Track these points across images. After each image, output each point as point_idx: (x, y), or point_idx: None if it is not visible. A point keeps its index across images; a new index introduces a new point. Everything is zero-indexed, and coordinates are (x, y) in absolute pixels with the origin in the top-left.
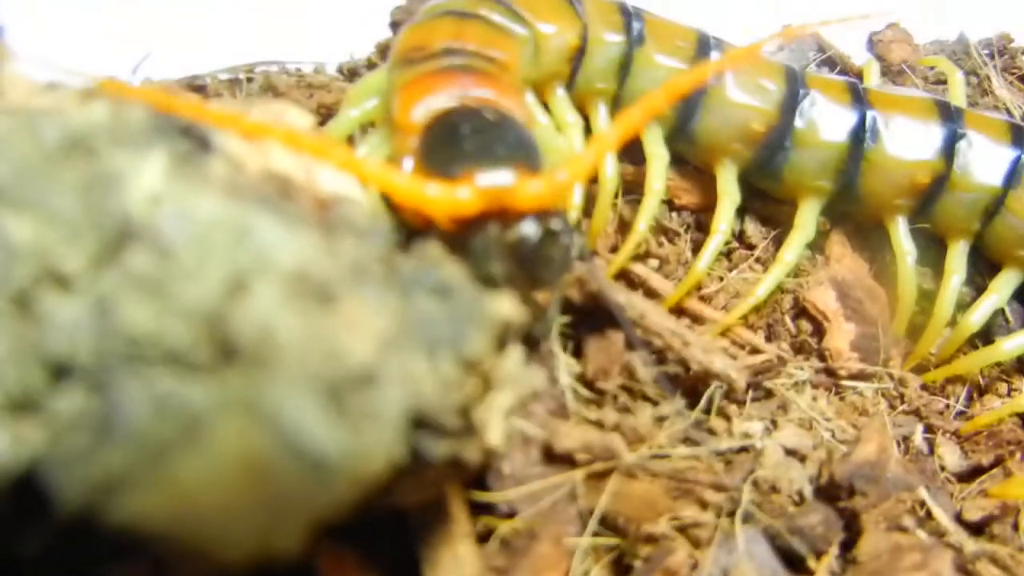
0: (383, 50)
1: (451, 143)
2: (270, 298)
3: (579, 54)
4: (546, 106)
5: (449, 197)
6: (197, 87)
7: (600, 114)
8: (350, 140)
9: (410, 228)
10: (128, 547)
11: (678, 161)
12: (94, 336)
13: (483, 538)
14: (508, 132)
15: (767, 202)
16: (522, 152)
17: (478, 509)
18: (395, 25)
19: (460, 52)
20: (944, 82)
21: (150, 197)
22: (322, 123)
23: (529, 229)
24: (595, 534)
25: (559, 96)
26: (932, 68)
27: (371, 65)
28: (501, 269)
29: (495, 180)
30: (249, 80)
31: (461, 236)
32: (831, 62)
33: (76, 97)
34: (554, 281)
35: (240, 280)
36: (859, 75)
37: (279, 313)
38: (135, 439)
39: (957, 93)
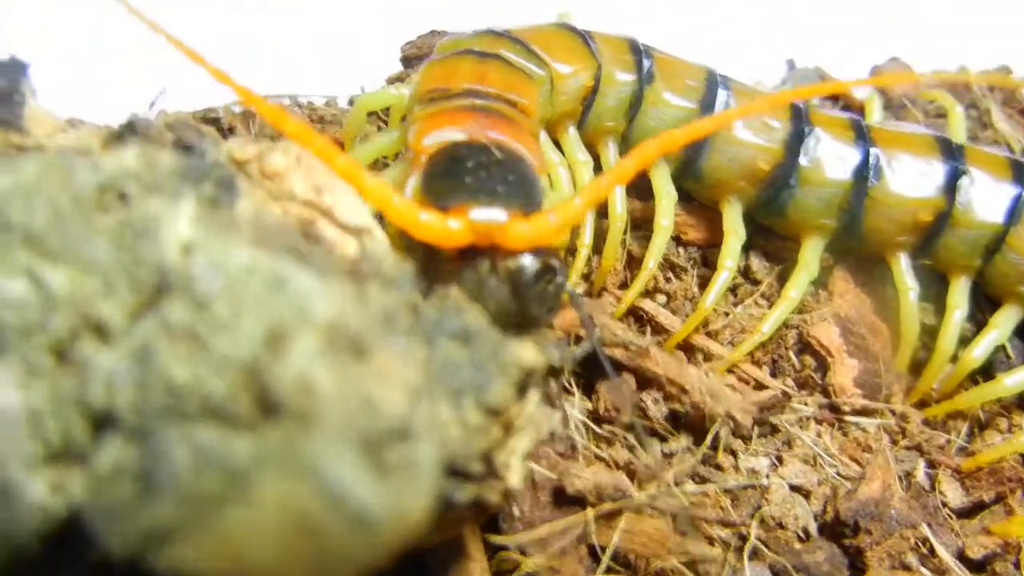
0: (394, 83)
1: (453, 173)
2: (308, 352)
3: (592, 94)
4: (558, 144)
5: (440, 225)
6: (211, 119)
7: (610, 152)
8: None
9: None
10: None
11: (685, 198)
12: (134, 386)
13: None
14: (511, 171)
15: (772, 238)
16: (520, 192)
17: (493, 548)
18: (406, 60)
19: (482, 94)
20: (945, 116)
21: (183, 245)
22: None
23: (522, 265)
24: (607, 571)
25: (571, 135)
26: (932, 102)
27: None
28: (490, 301)
29: (487, 216)
30: None
31: (457, 266)
32: (833, 95)
33: (98, 134)
34: (540, 319)
35: (278, 333)
36: (861, 109)
37: (317, 367)
38: (179, 491)
39: (957, 127)
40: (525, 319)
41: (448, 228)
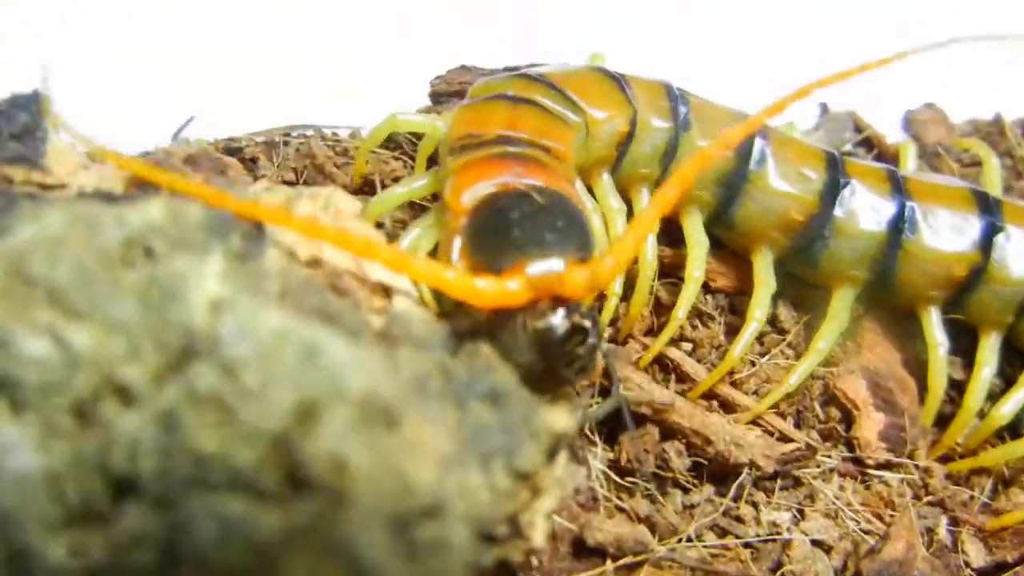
0: (428, 115)
1: (498, 230)
2: (341, 427)
3: (627, 140)
4: (591, 191)
5: (499, 290)
6: (234, 149)
7: (643, 199)
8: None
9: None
10: None
11: (715, 244)
12: (158, 453)
13: None
14: (558, 216)
15: (800, 287)
16: (573, 237)
17: None
18: (435, 95)
19: (515, 141)
20: (979, 164)
21: (211, 304)
22: (357, 192)
23: (550, 325)
24: None
25: (605, 182)
26: (967, 151)
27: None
28: (526, 359)
29: (544, 269)
30: (285, 144)
31: (492, 322)
32: (867, 142)
33: (121, 173)
34: (570, 380)
35: (310, 405)
36: (895, 155)
37: (350, 443)
38: (204, 565)
39: (993, 179)
40: (555, 379)
41: (508, 291)
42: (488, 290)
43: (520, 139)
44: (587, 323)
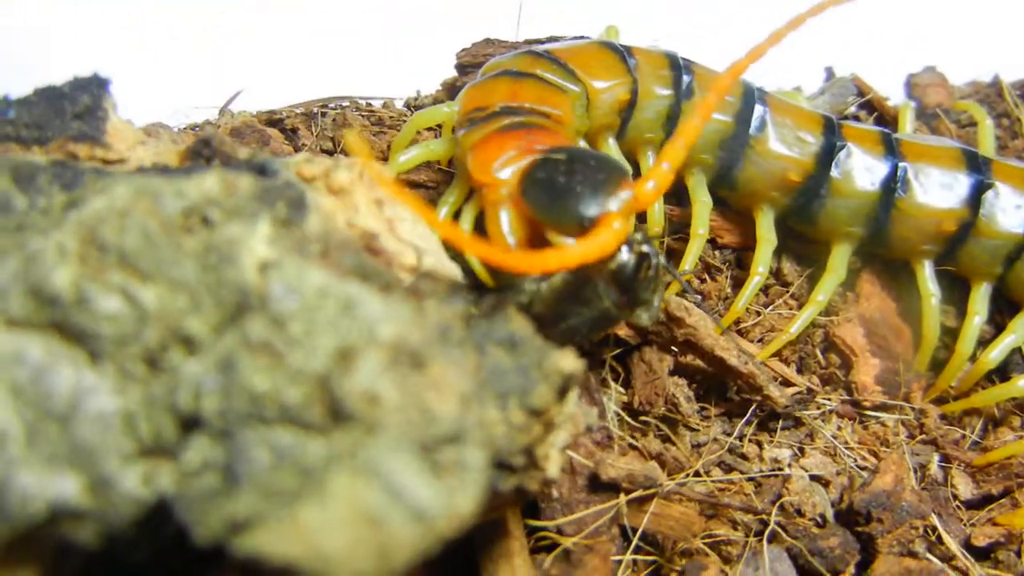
0: (449, 88)
1: (563, 191)
2: (374, 368)
3: (629, 107)
4: None
5: (611, 233)
6: (275, 121)
7: (649, 162)
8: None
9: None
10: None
11: (721, 203)
12: (219, 393)
13: (537, 552)
14: (588, 160)
15: (803, 242)
16: (612, 167)
17: (532, 527)
18: (461, 67)
19: (517, 110)
20: (976, 124)
21: (260, 265)
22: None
23: (622, 264)
24: (636, 550)
25: (610, 145)
26: (965, 112)
27: (436, 101)
28: (614, 298)
29: (623, 199)
30: (323, 114)
31: (574, 285)
32: (869, 105)
33: (175, 148)
34: (653, 301)
35: (347, 350)
36: (895, 118)
37: (382, 381)
38: (259, 486)
39: (986, 140)
40: (639, 303)
41: (616, 230)
42: (607, 236)
43: (522, 108)
44: (646, 248)
